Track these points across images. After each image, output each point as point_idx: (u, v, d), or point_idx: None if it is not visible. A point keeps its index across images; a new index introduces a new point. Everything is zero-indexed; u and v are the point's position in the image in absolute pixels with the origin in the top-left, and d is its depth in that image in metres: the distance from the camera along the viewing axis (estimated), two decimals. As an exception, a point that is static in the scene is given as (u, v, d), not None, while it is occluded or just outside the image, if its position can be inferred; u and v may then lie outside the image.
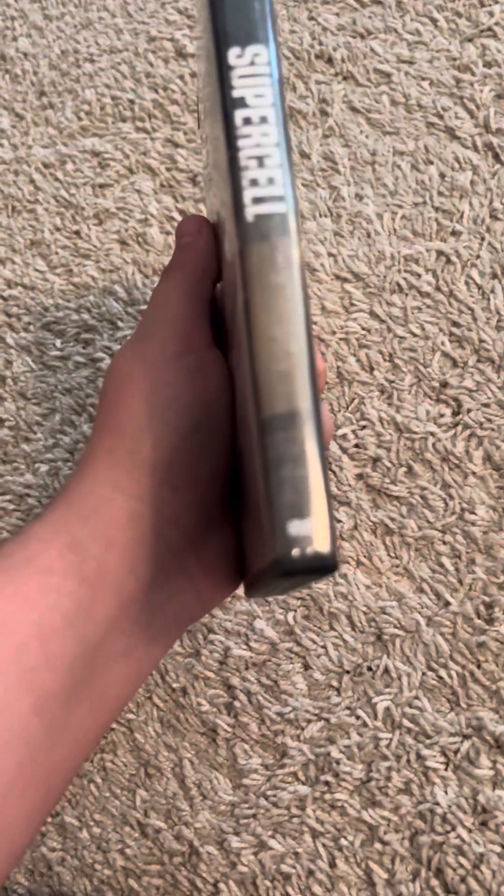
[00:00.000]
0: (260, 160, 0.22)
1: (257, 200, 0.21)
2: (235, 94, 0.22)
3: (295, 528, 0.20)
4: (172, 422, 0.27)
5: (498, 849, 0.36)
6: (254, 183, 0.22)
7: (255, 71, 0.22)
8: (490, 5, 0.45)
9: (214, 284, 0.31)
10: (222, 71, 0.22)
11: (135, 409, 0.27)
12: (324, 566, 0.20)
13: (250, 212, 0.21)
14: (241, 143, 0.22)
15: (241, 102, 0.22)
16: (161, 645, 0.28)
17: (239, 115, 0.22)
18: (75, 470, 0.29)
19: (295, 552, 0.19)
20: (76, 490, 0.28)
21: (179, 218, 0.47)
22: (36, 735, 0.25)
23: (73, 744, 0.26)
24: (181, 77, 0.49)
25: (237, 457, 0.28)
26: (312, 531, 0.20)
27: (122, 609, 0.26)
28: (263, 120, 0.22)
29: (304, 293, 0.21)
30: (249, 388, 0.21)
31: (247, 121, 0.22)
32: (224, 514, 0.29)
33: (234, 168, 0.22)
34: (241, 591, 0.31)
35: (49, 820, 0.41)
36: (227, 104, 0.22)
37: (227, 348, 0.28)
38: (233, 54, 0.22)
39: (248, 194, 0.21)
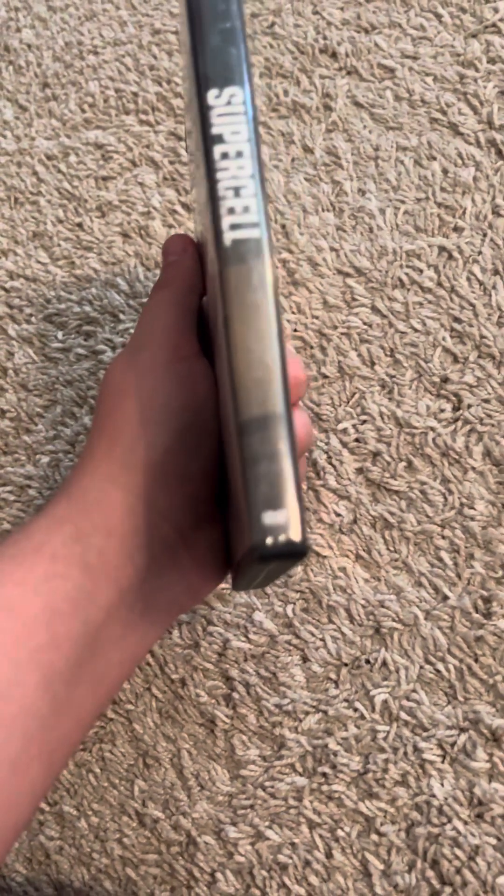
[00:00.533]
0: (236, 190, 0.24)
1: (234, 227, 0.24)
2: (214, 131, 0.24)
3: (269, 518, 0.22)
4: (165, 424, 0.29)
5: (493, 841, 0.37)
6: (231, 211, 0.24)
7: (231, 110, 0.24)
8: (494, 1, 0.45)
9: (200, 298, 0.33)
10: (202, 110, 0.25)
11: (130, 414, 0.30)
12: (295, 551, 0.22)
13: (228, 237, 0.24)
14: (219, 175, 0.24)
15: (220, 139, 0.24)
16: (153, 632, 0.30)
17: (217, 150, 0.24)
18: (75, 468, 0.31)
19: (269, 540, 0.22)
20: (77, 485, 0.30)
21: (182, 211, 0.47)
22: (42, 710, 0.26)
23: (74, 721, 0.28)
24: (185, 70, 0.49)
25: (223, 457, 0.29)
26: (285, 521, 0.22)
27: (120, 595, 0.28)
28: (239, 154, 0.24)
29: (276, 309, 0.24)
30: (229, 395, 0.23)
31: (224, 155, 0.24)
32: (213, 511, 0.31)
33: (213, 197, 0.24)
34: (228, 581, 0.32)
35: (47, 809, 0.42)
36: (207, 140, 0.24)
37: (213, 356, 0.31)
38: (211, 95, 0.24)
39: (226, 221, 0.24)
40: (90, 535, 0.28)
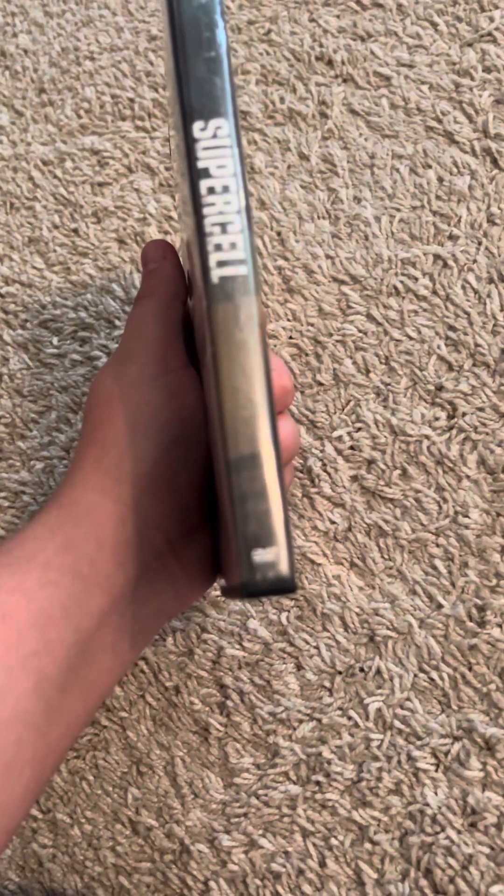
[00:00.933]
0: (223, 226, 0.24)
1: (221, 264, 0.24)
2: (200, 165, 0.24)
3: (259, 556, 0.23)
4: (153, 437, 0.30)
5: (487, 850, 0.37)
6: (218, 248, 0.24)
7: (217, 143, 0.24)
8: (490, 10, 0.45)
9: (184, 303, 0.34)
10: (188, 143, 0.24)
11: (119, 426, 0.30)
12: (284, 587, 0.23)
13: (215, 274, 0.24)
14: (205, 210, 0.24)
15: (206, 173, 0.24)
16: (142, 639, 0.31)
17: (203, 184, 0.24)
18: (66, 477, 0.31)
19: (259, 577, 0.23)
20: (68, 495, 0.30)
21: (178, 218, 0.47)
22: (35, 715, 0.27)
23: (66, 726, 0.28)
24: (181, 76, 0.49)
25: (213, 476, 0.30)
26: (274, 558, 0.23)
27: (111, 603, 0.29)
28: (226, 189, 0.24)
29: (263, 346, 0.24)
30: (218, 432, 0.24)
31: (211, 190, 0.24)
32: (202, 520, 0.31)
33: (200, 233, 0.24)
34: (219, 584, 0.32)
35: (41, 816, 0.42)
36: (193, 175, 0.24)
37: (199, 362, 0.31)
38: (197, 127, 0.24)
39: (213, 258, 0.24)
40: (82, 545, 0.29)
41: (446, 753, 0.38)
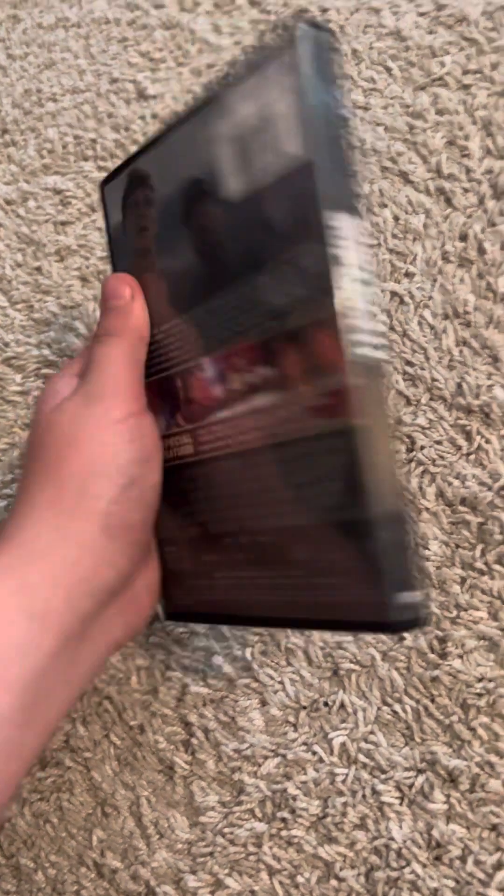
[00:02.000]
0: (368, 313, 0.27)
1: (359, 344, 0.26)
2: (339, 253, 0.26)
3: (407, 598, 0.26)
4: (112, 478, 0.31)
5: (452, 883, 0.37)
6: (361, 331, 0.27)
7: (352, 234, 0.27)
8: (441, 56, 0.46)
9: (148, 345, 0.34)
10: (323, 231, 0.26)
11: (79, 466, 0.31)
12: (418, 624, 0.27)
13: (359, 352, 0.26)
14: (345, 297, 0.26)
15: (341, 261, 0.26)
16: (94, 669, 0.33)
17: (341, 272, 0.26)
18: (15, 513, 0.32)
19: (408, 615, 0.26)
20: (21, 535, 0.31)
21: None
22: None
23: (22, 762, 0.29)
24: (142, 118, 0.50)
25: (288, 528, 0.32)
26: (419, 599, 0.26)
27: (65, 641, 0.30)
28: (366, 283, 0.27)
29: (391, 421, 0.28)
30: (357, 490, 0.27)
31: (351, 278, 0.26)
32: (150, 553, 0.34)
33: (346, 316, 0.26)
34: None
35: (3, 862, 0.41)
36: (330, 261, 0.26)
37: (154, 406, 0.33)
38: (334, 217, 0.26)
39: (355, 338, 0.26)
40: (36, 586, 0.29)
41: (410, 786, 0.38)
